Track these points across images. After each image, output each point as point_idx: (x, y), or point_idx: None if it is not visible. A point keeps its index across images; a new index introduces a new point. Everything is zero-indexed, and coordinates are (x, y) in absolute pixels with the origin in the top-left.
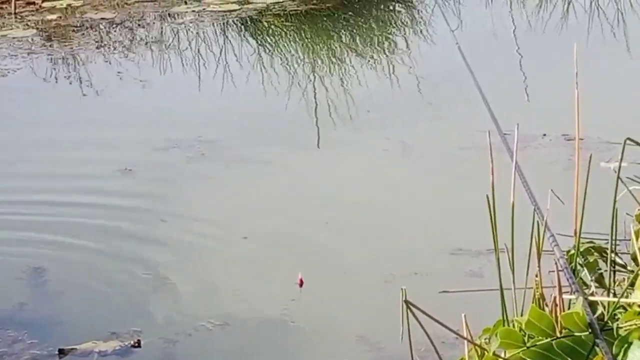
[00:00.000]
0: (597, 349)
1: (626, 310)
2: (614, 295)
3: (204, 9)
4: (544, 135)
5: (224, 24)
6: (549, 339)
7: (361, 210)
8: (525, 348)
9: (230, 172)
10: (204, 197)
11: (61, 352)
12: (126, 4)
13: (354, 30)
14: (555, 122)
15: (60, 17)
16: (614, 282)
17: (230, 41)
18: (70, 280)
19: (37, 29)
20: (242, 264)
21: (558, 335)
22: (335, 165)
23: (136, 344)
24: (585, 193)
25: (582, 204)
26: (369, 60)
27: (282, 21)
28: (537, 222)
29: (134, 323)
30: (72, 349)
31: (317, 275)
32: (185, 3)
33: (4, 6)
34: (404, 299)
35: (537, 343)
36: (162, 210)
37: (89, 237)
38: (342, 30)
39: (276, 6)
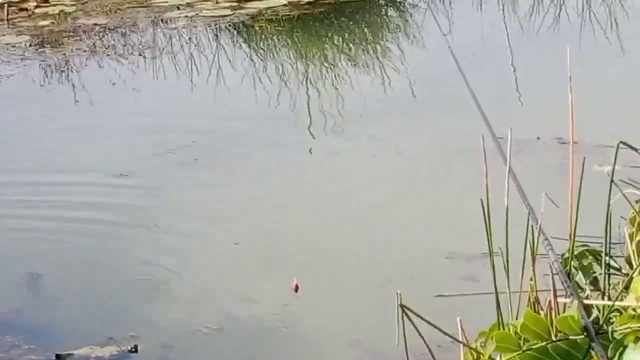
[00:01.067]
0: (592, 352)
1: (621, 313)
2: (609, 298)
3: (196, 14)
4: (538, 138)
5: (216, 29)
6: (544, 343)
7: (355, 215)
8: (520, 352)
9: (222, 177)
10: (197, 202)
11: (58, 357)
12: (119, 9)
13: (347, 35)
14: (548, 126)
15: (53, 23)
16: (609, 285)
17: (223, 46)
18: (67, 285)
19: (30, 35)
20: (237, 269)
21: (553, 338)
22: (328, 170)
23: (133, 349)
24: (579, 196)
25: (577, 208)
26: (361, 65)
27: (275, 26)
28: (532, 225)
29: (131, 328)
30: (69, 354)
31: (311, 280)
32: (178, 8)
33: None
34: (399, 303)
35: (533, 347)
36: (157, 215)
37: (85, 243)
38: (335, 35)
39: (269, 11)
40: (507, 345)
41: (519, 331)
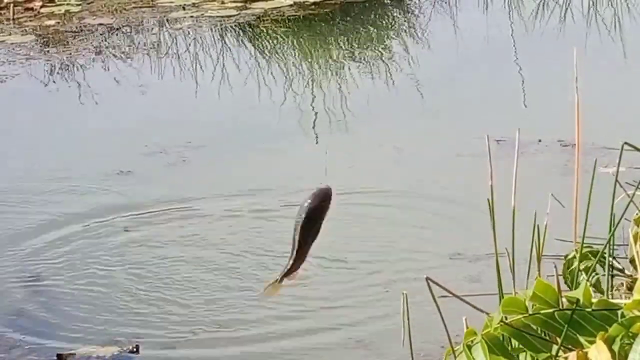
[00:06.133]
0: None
1: None
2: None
3: (202, 15)
4: (540, 141)
5: (221, 29)
6: (552, 310)
7: (359, 216)
8: (528, 315)
9: (211, 176)
10: (187, 203)
11: (59, 357)
12: (124, 9)
13: (352, 36)
14: (550, 128)
15: (59, 22)
16: (612, 286)
17: (228, 47)
18: (69, 285)
19: (36, 34)
20: (238, 270)
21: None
22: (332, 170)
23: (134, 350)
24: (589, 198)
25: (586, 209)
26: (366, 66)
27: (280, 26)
28: (537, 226)
29: (132, 329)
30: (71, 354)
31: (315, 281)
32: (184, 9)
33: (2, 12)
34: (405, 303)
35: (541, 312)
36: (147, 215)
37: (87, 242)
38: (340, 36)
39: (274, 12)
40: (515, 309)
41: (528, 299)
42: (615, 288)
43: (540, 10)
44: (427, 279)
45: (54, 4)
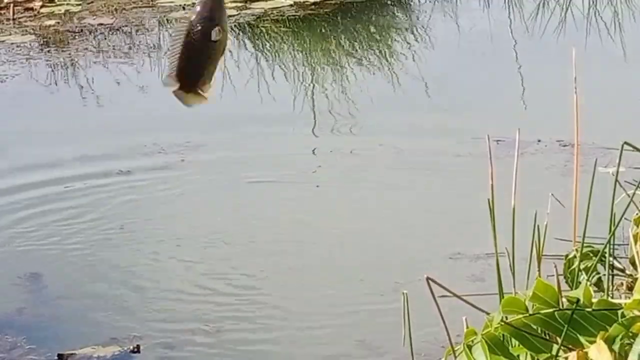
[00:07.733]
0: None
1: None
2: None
3: None
4: (539, 141)
5: None
6: (552, 310)
7: (358, 216)
8: (528, 315)
9: (208, 177)
10: (187, 202)
11: (60, 357)
12: (124, 9)
13: (353, 35)
14: (549, 128)
15: (59, 22)
16: (612, 285)
17: (228, 47)
18: (69, 285)
19: (36, 34)
20: (240, 270)
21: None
22: (333, 171)
23: (135, 349)
24: (589, 198)
25: (586, 209)
26: (367, 65)
27: (280, 27)
28: (537, 226)
29: (133, 328)
30: (71, 354)
31: (317, 282)
32: (183, 9)
33: (2, 12)
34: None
35: (541, 312)
36: (147, 216)
37: (87, 242)
38: (341, 35)
39: (274, 12)
40: (515, 309)
41: (528, 299)
42: (615, 288)
43: (540, 10)
44: (427, 278)
45: (54, 4)
